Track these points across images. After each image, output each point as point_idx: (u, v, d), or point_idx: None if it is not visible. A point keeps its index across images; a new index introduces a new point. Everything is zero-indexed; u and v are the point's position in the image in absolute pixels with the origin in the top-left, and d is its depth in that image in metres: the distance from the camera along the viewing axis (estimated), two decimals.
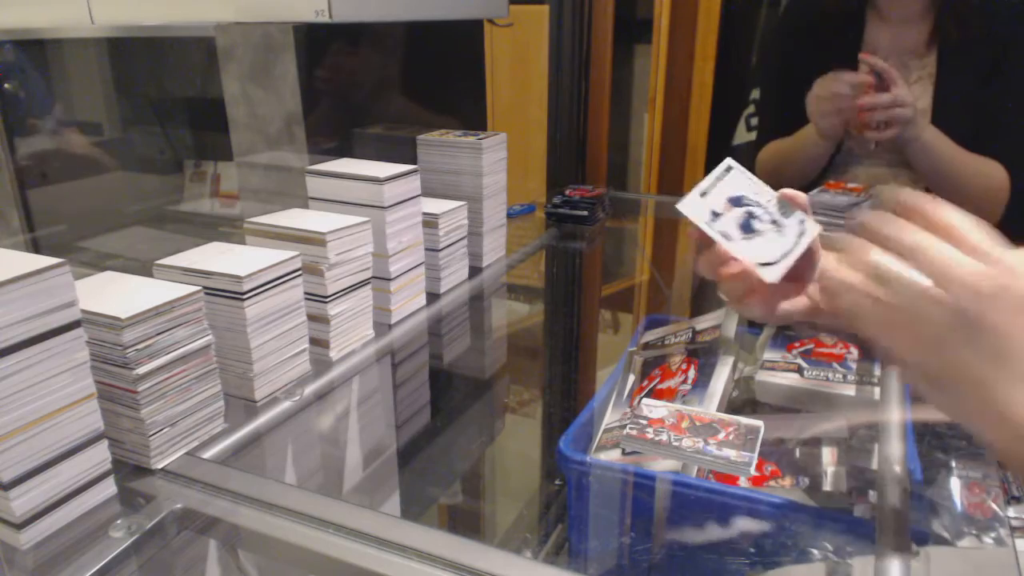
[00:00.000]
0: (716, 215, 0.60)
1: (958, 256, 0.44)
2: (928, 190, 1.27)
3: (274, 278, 0.73)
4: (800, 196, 0.60)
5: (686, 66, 2.15)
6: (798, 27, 1.38)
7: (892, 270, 0.46)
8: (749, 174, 0.62)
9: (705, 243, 0.60)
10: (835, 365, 0.83)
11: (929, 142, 1.20)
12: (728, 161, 0.62)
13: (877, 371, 0.82)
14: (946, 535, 0.60)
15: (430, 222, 0.99)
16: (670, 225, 1.63)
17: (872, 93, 1.18)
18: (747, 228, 0.59)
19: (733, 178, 0.61)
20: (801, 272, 0.60)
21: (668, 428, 0.67)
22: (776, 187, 0.61)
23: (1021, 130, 1.22)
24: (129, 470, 0.62)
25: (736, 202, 0.60)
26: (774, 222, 0.60)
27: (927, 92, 1.25)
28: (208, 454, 0.66)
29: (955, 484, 0.67)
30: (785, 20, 1.44)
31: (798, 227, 0.59)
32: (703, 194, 0.60)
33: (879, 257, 0.47)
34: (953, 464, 0.70)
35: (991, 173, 1.22)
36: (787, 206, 0.60)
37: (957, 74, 1.23)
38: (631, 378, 0.87)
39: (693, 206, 0.59)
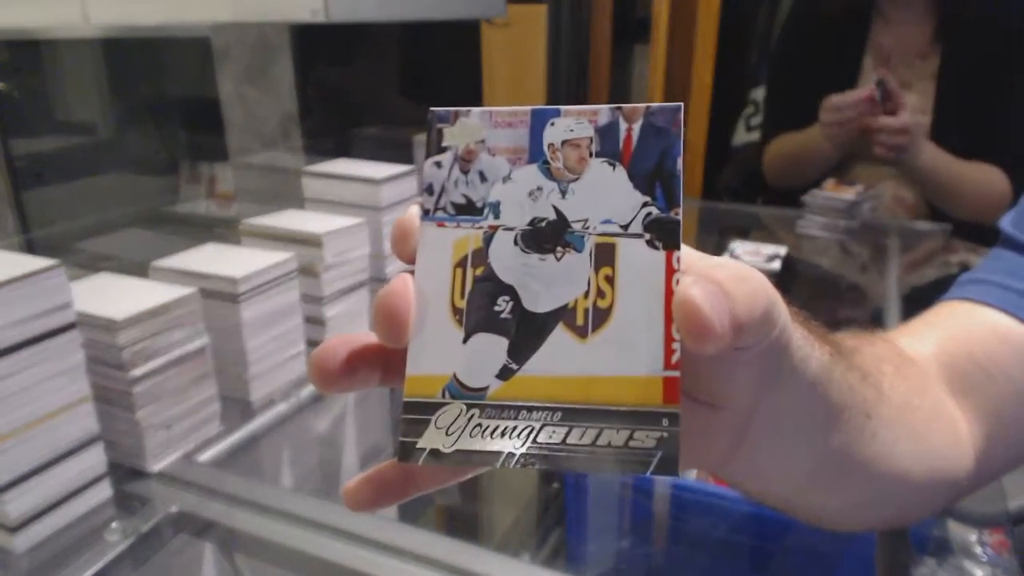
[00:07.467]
0: None
1: None
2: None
3: (270, 280, 0.72)
4: None
5: (686, 66, 2.15)
6: (804, 28, 1.39)
7: None
8: None
9: None
10: None
11: (926, 165, 1.20)
12: None
13: None
14: (946, 538, 0.59)
15: None
16: None
17: (881, 115, 1.18)
18: None
19: None
20: None
21: None
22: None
23: None
24: (124, 473, 0.62)
25: None
26: None
27: (930, 93, 1.25)
28: (204, 457, 0.66)
29: None
30: (792, 21, 1.45)
31: None
32: None
33: None
34: None
35: (991, 181, 1.22)
36: None
37: (960, 76, 1.23)
38: None
39: None
